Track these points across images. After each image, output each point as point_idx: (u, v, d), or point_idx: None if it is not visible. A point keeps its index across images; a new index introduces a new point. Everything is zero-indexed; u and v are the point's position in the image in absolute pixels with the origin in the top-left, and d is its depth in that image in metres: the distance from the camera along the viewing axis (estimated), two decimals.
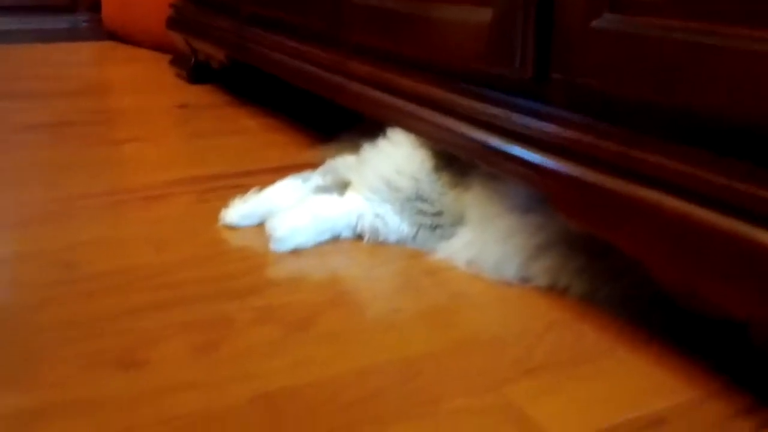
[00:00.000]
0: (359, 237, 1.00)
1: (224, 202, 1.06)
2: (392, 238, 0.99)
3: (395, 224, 0.99)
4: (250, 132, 1.62)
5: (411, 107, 1.05)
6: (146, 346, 0.74)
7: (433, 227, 0.99)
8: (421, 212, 0.99)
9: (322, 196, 1.05)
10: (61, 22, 2.79)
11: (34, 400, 0.65)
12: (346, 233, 1.01)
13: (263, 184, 1.10)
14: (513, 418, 0.63)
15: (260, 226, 1.03)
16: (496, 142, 0.88)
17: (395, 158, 1.02)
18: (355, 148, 1.13)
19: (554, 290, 0.85)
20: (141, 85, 2.16)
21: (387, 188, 1.00)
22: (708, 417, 0.64)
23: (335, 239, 1.00)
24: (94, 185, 1.25)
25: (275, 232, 0.97)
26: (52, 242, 1.01)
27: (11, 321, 0.80)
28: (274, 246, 0.97)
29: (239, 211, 1.05)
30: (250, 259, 0.96)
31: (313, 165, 1.18)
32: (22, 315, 0.81)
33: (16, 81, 2.20)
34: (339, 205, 1.02)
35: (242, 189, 1.09)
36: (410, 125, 1.04)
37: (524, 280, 0.87)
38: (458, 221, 0.99)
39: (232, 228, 1.04)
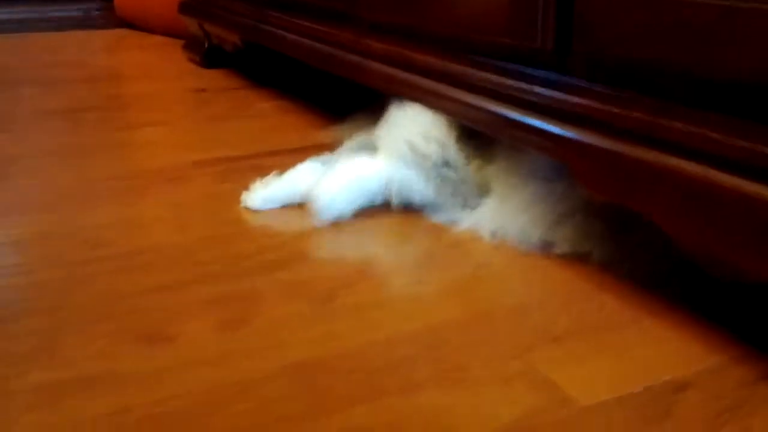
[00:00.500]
0: (387, 204, 1.01)
1: (243, 183, 1.07)
2: (417, 202, 1.00)
3: (421, 190, 1.00)
4: (266, 114, 1.63)
5: (429, 83, 1.05)
6: (174, 323, 0.75)
7: (457, 195, 0.99)
8: (446, 179, 0.99)
9: (353, 159, 1.05)
10: (74, 11, 2.80)
11: (61, 374, 0.66)
12: (379, 198, 1.01)
13: (281, 165, 1.10)
14: (539, 384, 0.63)
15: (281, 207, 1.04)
16: (517, 115, 0.88)
17: (422, 123, 1.02)
18: (369, 128, 1.13)
19: (576, 258, 0.86)
20: (155, 70, 2.17)
21: (413, 153, 1.00)
22: (731, 382, 0.64)
23: (362, 211, 1.00)
24: (115, 168, 1.26)
25: (317, 202, 0.98)
26: (77, 223, 1.02)
27: (39, 298, 0.81)
28: (318, 217, 0.97)
29: (261, 195, 1.06)
30: (272, 237, 0.96)
31: (329, 146, 1.19)
32: (50, 292, 0.82)
33: (33, 68, 2.21)
34: (370, 167, 1.02)
35: (261, 170, 1.09)
36: (429, 101, 1.05)
37: (547, 247, 0.88)
38: (482, 191, 0.99)
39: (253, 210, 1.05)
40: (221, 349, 0.70)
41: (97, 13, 2.82)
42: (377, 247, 0.94)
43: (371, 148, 1.06)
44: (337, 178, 1.00)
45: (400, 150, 1.01)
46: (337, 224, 0.98)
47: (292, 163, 1.09)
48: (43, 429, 0.59)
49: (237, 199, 1.06)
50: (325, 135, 1.37)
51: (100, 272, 0.87)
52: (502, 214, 0.92)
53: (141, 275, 0.86)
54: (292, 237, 0.96)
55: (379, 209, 1.01)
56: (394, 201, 1.00)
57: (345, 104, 1.46)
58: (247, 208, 1.05)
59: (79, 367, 0.67)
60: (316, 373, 0.66)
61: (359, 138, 1.14)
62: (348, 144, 1.15)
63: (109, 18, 2.75)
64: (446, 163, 0.99)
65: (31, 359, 0.69)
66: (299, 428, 0.59)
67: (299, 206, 1.02)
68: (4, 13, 2.72)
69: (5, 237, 0.99)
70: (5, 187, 1.19)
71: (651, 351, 0.69)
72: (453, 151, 1.00)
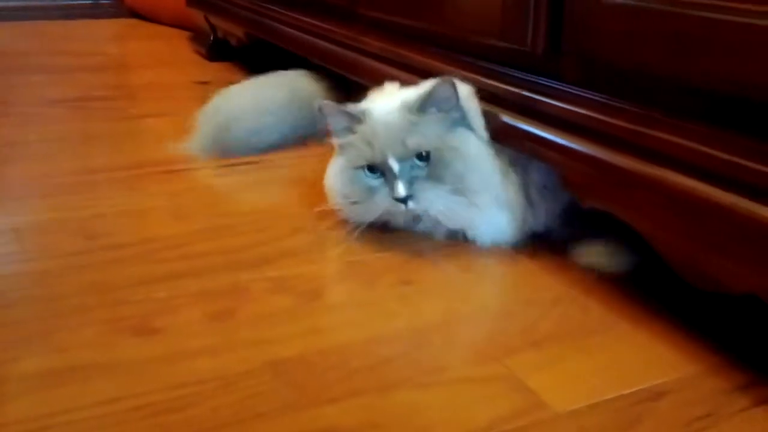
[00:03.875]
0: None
1: (241, 177, 1.07)
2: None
3: None
4: None
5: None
6: (162, 314, 0.76)
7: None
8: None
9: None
10: (84, 0, 2.81)
11: (53, 362, 0.68)
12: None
13: (280, 162, 1.12)
14: (513, 387, 0.64)
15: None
16: (508, 118, 0.89)
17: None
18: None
19: (562, 263, 0.87)
20: (161, 61, 2.18)
21: None
22: (707, 391, 0.65)
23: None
24: (116, 158, 1.28)
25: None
26: (75, 213, 1.03)
27: (34, 286, 0.83)
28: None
29: None
30: (264, 231, 0.98)
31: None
32: (45, 281, 0.84)
33: (43, 56, 2.23)
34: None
35: (258, 165, 1.11)
36: None
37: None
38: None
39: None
40: (207, 342, 0.71)
41: (106, 2, 2.84)
42: (365, 244, 0.94)
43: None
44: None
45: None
46: (332, 219, 0.99)
47: (293, 158, 1.10)
48: (33, 415, 0.61)
49: (235, 191, 1.07)
50: None
51: (94, 263, 0.88)
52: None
53: (134, 266, 0.87)
54: (283, 232, 0.97)
55: None
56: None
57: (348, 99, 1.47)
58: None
59: (70, 356, 0.69)
60: (297, 369, 0.67)
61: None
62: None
63: (118, 8, 2.76)
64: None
65: (23, 346, 0.71)
66: (277, 424, 0.60)
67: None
68: (15, 1, 2.74)
69: (3, 224, 1.00)
70: (6, 173, 1.21)
71: (629, 357, 0.70)
72: None
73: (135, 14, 2.80)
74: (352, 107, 0.97)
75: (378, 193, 0.91)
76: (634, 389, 0.64)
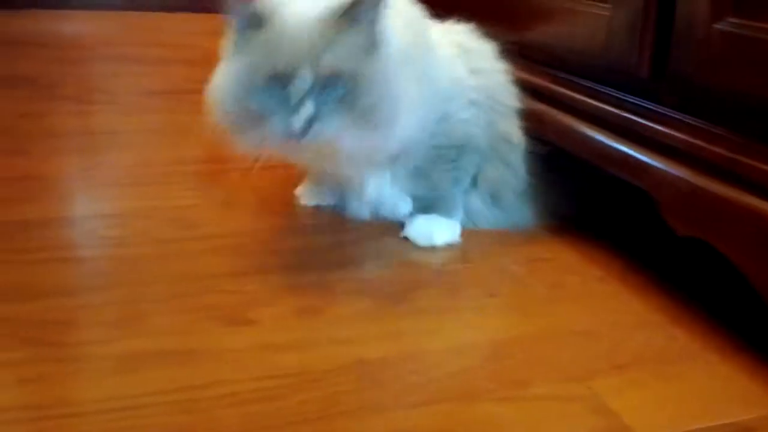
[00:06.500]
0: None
1: None
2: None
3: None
4: None
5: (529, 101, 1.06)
6: (253, 306, 0.79)
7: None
8: None
9: None
10: None
11: (143, 345, 0.71)
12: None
13: None
14: (596, 409, 0.64)
15: None
16: (606, 138, 0.89)
17: None
18: None
19: (650, 286, 0.86)
20: None
21: None
22: None
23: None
24: (206, 151, 1.30)
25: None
26: (167, 202, 1.07)
27: (131, 270, 0.87)
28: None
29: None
30: (349, 232, 0.99)
31: None
32: (142, 266, 0.88)
33: (142, 47, 2.31)
34: None
35: None
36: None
37: None
38: None
39: None
40: (295, 337, 0.74)
41: None
42: (453, 253, 0.95)
43: None
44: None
45: None
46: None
47: None
48: (121, 395, 0.64)
49: None
50: None
51: (188, 251, 0.92)
52: None
53: (224, 258, 0.90)
54: (369, 233, 0.99)
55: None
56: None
57: None
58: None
59: (160, 341, 0.72)
60: (379, 370, 0.69)
61: None
62: None
63: (216, 2, 2.83)
64: None
65: (115, 328, 0.74)
66: (360, 423, 0.62)
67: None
68: None
69: (105, 209, 1.06)
70: (107, 161, 1.27)
71: (716, 389, 0.69)
72: None
73: None
74: (259, 2, 0.79)
75: (273, 118, 0.78)
76: (719, 422, 0.63)
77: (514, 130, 1.01)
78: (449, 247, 0.96)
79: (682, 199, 0.77)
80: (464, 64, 0.97)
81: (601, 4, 0.90)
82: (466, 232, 0.99)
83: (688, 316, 0.80)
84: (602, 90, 0.92)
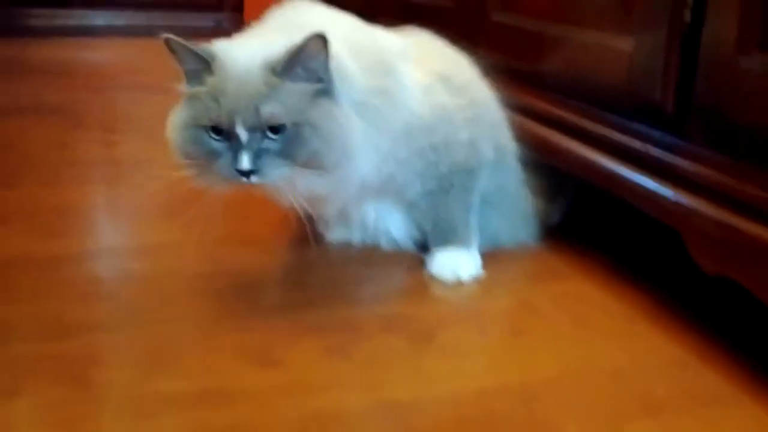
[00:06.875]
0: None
1: None
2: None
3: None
4: None
5: (541, 128, 1.06)
6: (283, 346, 0.79)
7: None
8: None
9: None
10: (206, 20, 2.95)
11: (178, 385, 0.71)
12: None
13: None
14: None
15: None
16: (630, 173, 0.88)
17: None
18: None
19: (678, 325, 0.85)
20: None
21: None
22: None
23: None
24: None
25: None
26: (193, 235, 1.05)
27: (161, 308, 0.87)
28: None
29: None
30: (374, 266, 1.00)
31: None
32: (175, 302, 0.88)
33: (165, 75, 2.31)
34: None
35: None
36: (539, 146, 1.05)
37: None
38: None
39: None
40: (324, 377, 0.74)
41: (227, 23, 2.96)
42: (477, 288, 0.95)
43: None
44: None
45: None
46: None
47: None
48: None
49: None
50: None
51: (213, 287, 0.92)
52: None
53: (251, 294, 0.91)
54: (395, 269, 0.99)
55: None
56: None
57: None
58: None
59: (190, 382, 0.72)
60: (410, 412, 0.69)
61: None
62: None
63: (239, 29, 2.86)
64: None
65: (145, 368, 0.75)
66: None
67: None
68: (143, 19, 2.90)
69: (133, 242, 1.07)
70: (132, 190, 1.28)
71: None
72: None
73: None
74: (203, 48, 0.82)
75: (220, 160, 0.81)
76: None
77: (507, 140, 1.03)
78: (471, 282, 0.96)
79: (710, 237, 0.76)
80: (445, 90, 0.96)
81: (623, 38, 0.90)
82: (486, 260, 0.98)
83: (719, 356, 0.80)
84: (626, 123, 0.92)
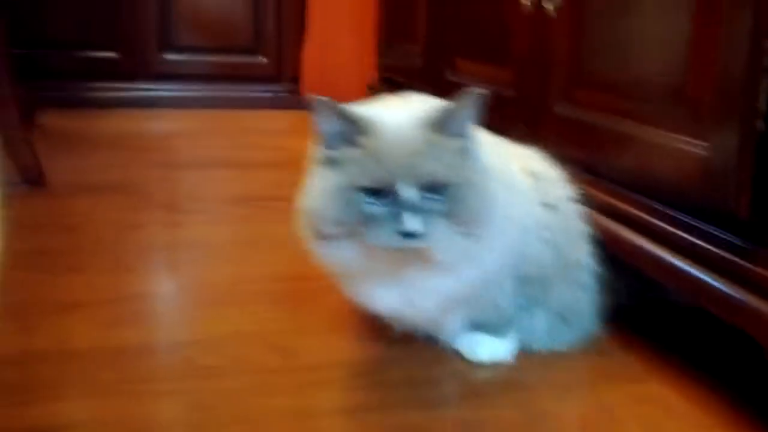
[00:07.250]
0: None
1: None
2: None
3: None
4: None
5: (610, 223, 1.06)
6: None
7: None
8: None
9: None
10: (265, 91, 3.02)
11: None
12: None
13: None
14: None
15: None
16: (704, 276, 0.87)
17: None
18: None
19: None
20: None
21: None
22: None
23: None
24: (302, 267, 1.19)
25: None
26: (262, 325, 1.06)
27: (230, 404, 0.85)
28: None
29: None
30: (445, 363, 0.96)
31: None
32: (241, 399, 0.86)
33: (229, 149, 2.37)
34: None
35: None
36: (608, 243, 1.05)
37: None
38: None
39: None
40: None
41: (285, 95, 3.02)
42: (543, 393, 0.92)
43: None
44: None
45: None
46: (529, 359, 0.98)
47: None
48: None
49: None
50: None
51: (287, 384, 0.90)
52: None
53: (328, 392, 0.90)
54: (469, 366, 0.96)
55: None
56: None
57: None
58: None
59: None
60: None
61: None
62: None
63: (296, 100, 2.92)
64: None
65: None
66: None
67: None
68: (204, 90, 2.97)
69: (201, 334, 1.04)
70: (200, 277, 1.27)
71: None
72: None
73: None
74: (356, 112, 0.81)
75: (380, 225, 0.77)
76: None
77: (584, 255, 1.00)
78: (537, 385, 0.93)
79: None
80: (538, 197, 0.96)
81: (696, 142, 0.90)
82: (548, 358, 0.97)
83: None
84: (699, 225, 0.91)
